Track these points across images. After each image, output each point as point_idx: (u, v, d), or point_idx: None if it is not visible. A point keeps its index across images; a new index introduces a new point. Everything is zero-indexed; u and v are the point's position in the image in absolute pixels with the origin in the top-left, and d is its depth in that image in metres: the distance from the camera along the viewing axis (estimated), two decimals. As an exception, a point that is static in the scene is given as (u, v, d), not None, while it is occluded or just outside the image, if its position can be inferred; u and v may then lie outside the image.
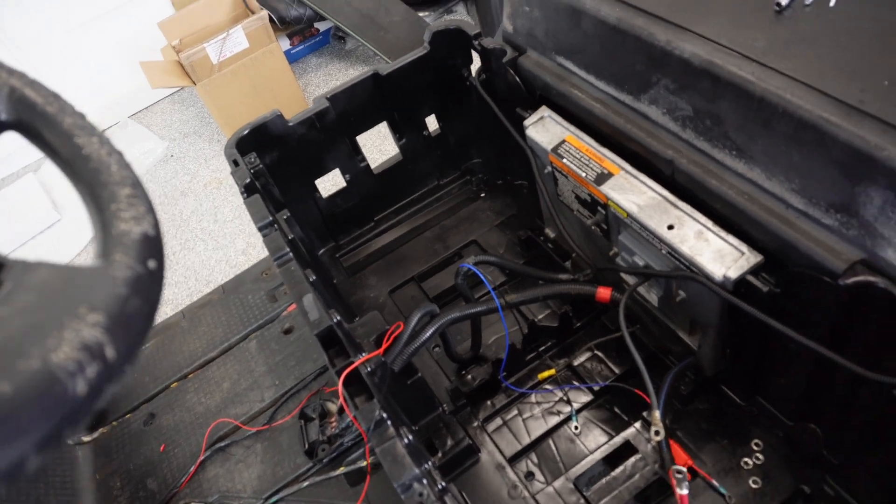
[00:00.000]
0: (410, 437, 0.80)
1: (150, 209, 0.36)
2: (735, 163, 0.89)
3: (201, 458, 1.27)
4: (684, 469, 0.87)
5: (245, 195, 1.19)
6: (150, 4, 3.16)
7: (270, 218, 1.10)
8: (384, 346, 1.02)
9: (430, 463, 0.91)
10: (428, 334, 1.08)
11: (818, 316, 0.84)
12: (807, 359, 0.93)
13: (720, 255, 0.90)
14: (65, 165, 0.38)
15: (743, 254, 0.89)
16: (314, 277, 1.02)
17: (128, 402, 1.47)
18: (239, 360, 1.45)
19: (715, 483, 1.01)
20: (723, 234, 0.92)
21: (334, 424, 1.18)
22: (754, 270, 0.88)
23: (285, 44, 3.23)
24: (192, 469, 1.27)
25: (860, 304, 0.77)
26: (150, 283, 0.33)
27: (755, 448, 1.04)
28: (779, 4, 0.88)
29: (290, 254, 1.04)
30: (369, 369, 0.98)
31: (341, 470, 1.14)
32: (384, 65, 1.45)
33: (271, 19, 2.98)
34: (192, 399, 1.41)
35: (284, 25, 3.21)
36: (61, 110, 0.38)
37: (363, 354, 0.99)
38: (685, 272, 0.94)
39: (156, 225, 0.35)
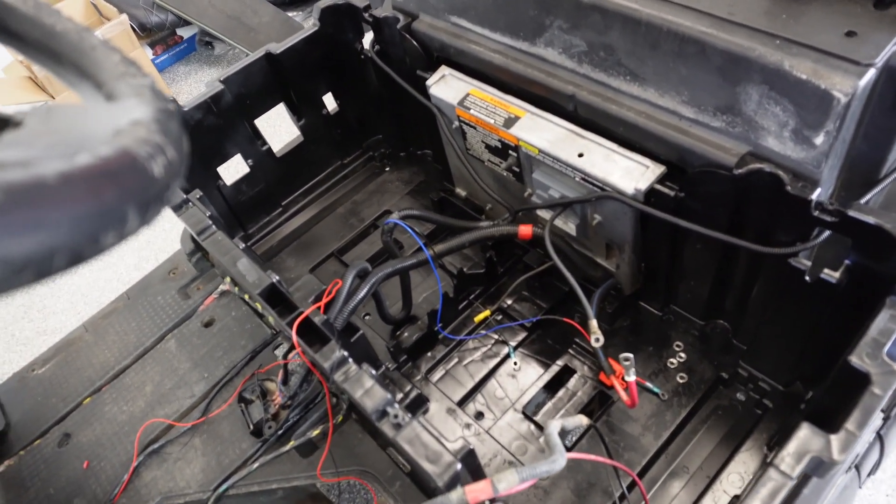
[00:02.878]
0: (374, 371, 0.81)
1: (143, 69, 0.37)
2: (630, 87, 0.99)
3: (134, 464, 1.19)
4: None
5: (151, 178, 1.13)
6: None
7: (184, 196, 1.07)
8: (325, 300, 1.02)
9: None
10: (365, 290, 1.09)
11: (718, 209, 0.94)
12: (711, 257, 1.04)
13: (628, 172, 0.99)
14: (44, 48, 0.37)
15: (648, 167, 0.99)
16: (243, 245, 0.99)
17: (35, 427, 1.34)
18: (159, 362, 1.37)
19: (648, 384, 1.10)
20: (628, 153, 1.01)
21: (277, 400, 1.16)
22: (660, 180, 0.98)
23: (148, 53, 3.06)
24: (126, 477, 1.19)
25: (751, 190, 0.88)
26: (176, 115, 0.34)
27: (677, 349, 1.15)
28: (648, -57, 0.99)
29: (213, 225, 1.01)
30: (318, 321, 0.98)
31: (292, 444, 1.12)
32: (275, 44, 1.43)
33: (132, 27, 2.81)
34: (112, 410, 1.32)
35: (145, 33, 3.04)
36: None
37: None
38: (600, 192, 1.03)
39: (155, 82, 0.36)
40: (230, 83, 1.37)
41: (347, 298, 1.07)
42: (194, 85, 3.02)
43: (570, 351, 1.21)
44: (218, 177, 1.46)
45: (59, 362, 1.44)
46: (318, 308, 0.90)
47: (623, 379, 0.95)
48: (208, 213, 1.11)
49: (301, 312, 0.85)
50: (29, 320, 2.18)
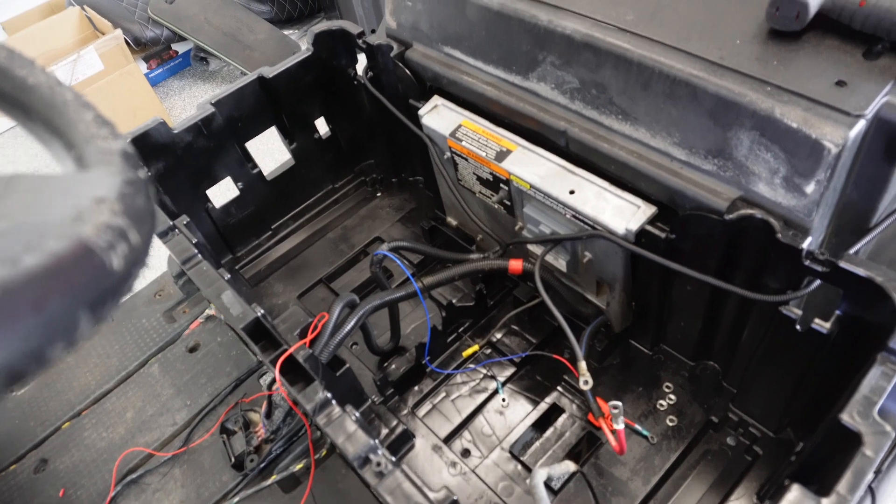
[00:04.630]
0: (357, 413, 0.79)
1: (117, 130, 0.35)
2: (622, 125, 0.98)
3: (111, 493, 1.17)
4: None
5: (137, 204, 1.12)
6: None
7: (170, 223, 1.05)
8: (310, 336, 1.00)
9: (377, 441, 0.90)
10: (352, 323, 1.08)
11: (708, 253, 0.94)
12: (701, 299, 1.04)
13: (619, 211, 0.99)
14: (13, 101, 0.35)
15: (639, 207, 0.98)
16: (228, 276, 0.98)
17: (10, 451, 1.31)
18: (141, 387, 1.34)
19: (637, 427, 1.09)
20: (619, 192, 1.01)
21: (261, 433, 1.13)
22: (651, 221, 0.97)
23: (142, 67, 3.05)
24: (102, 509, 1.16)
25: (742, 235, 0.88)
26: (145, 187, 0.32)
27: (666, 390, 1.14)
28: (642, -17, 0.99)
29: (199, 254, 0.99)
30: (302, 359, 0.96)
31: (273, 478, 1.10)
32: (268, 67, 1.43)
33: (126, 42, 2.80)
34: (91, 436, 1.29)
35: (140, 47, 3.04)
36: None
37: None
38: (591, 231, 1.02)
39: (128, 144, 0.35)
40: (221, 106, 1.36)
41: (334, 332, 1.05)
42: (188, 100, 3.02)
43: (559, 388, 1.19)
44: (207, 199, 1.45)
45: (39, 384, 1.41)
46: (305, 344, 0.88)
47: (612, 425, 0.94)
48: (194, 241, 1.10)
49: (285, 350, 0.83)
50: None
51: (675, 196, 0.94)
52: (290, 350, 0.83)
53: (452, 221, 1.47)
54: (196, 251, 0.99)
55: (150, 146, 1.28)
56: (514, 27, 1.07)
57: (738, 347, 1.06)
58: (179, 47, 3.23)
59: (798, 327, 0.86)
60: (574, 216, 1.04)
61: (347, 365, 1.08)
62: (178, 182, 1.35)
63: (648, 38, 0.92)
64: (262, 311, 0.92)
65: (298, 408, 0.85)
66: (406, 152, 1.56)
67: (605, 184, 1.03)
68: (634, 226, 0.96)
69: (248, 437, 1.15)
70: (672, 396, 1.13)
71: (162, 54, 3.13)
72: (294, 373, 0.84)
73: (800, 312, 0.86)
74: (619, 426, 0.93)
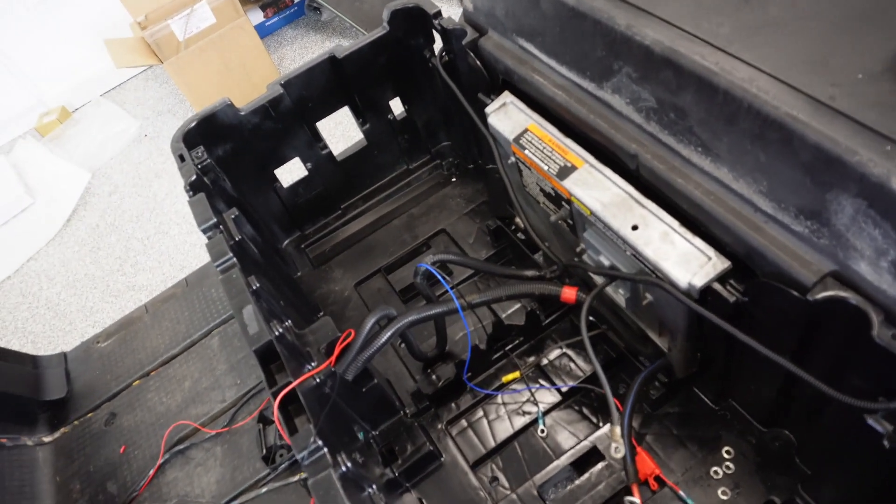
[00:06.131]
0: (349, 464, 0.75)
1: None
2: (701, 160, 0.82)
3: (160, 461, 1.24)
4: (637, 501, 0.83)
5: (190, 193, 1.12)
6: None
7: (214, 220, 1.04)
8: (335, 355, 0.97)
9: (373, 487, 0.87)
10: (383, 340, 1.03)
11: (786, 326, 0.78)
12: (775, 369, 0.87)
13: (686, 260, 0.84)
14: None
15: (709, 259, 0.83)
16: (258, 285, 0.96)
17: (90, 400, 1.43)
18: (201, 358, 1.40)
19: (682, 494, 0.97)
20: (689, 236, 0.86)
21: (292, 430, 1.14)
22: (721, 277, 0.82)
23: (258, 16, 3.10)
24: (151, 473, 1.24)
25: (829, 318, 0.71)
26: None
27: (726, 456, 1.00)
28: (749, -15, 0.80)
29: (234, 259, 0.98)
30: (318, 381, 0.93)
31: (299, 476, 1.10)
32: (340, 46, 1.36)
33: (242, -10, 2.84)
34: (154, 398, 1.37)
35: (257, -4, 3.08)
36: None
37: (310, 367, 0.94)
38: (650, 277, 0.88)
39: None
40: (290, 87, 1.32)
41: (363, 347, 1.01)
42: (299, 51, 3.04)
43: (605, 430, 1.09)
44: (275, 178, 1.44)
45: (119, 339, 1.52)
46: (330, 364, 0.85)
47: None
48: (238, 238, 1.09)
49: (288, 384, 0.80)
50: (122, 273, 2.34)
51: (754, 254, 0.78)
52: (293, 385, 0.79)
53: (521, 223, 1.36)
54: (230, 255, 0.97)
55: (216, 128, 1.27)
56: (589, 28, 0.92)
57: (822, 424, 0.89)
58: (296, -5, 3.24)
59: (885, 443, 0.70)
60: (635, 255, 0.90)
61: (375, 381, 1.04)
62: (245, 163, 1.35)
63: (742, 59, 0.75)
64: (280, 332, 0.89)
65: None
66: (482, 139, 1.45)
67: (674, 223, 0.88)
68: (700, 281, 0.82)
69: (282, 432, 1.16)
70: (731, 465, 0.99)
71: (278, 3, 3.16)
72: (297, 404, 0.81)
73: (890, 428, 0.69)
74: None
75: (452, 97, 1.33)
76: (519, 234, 1.35)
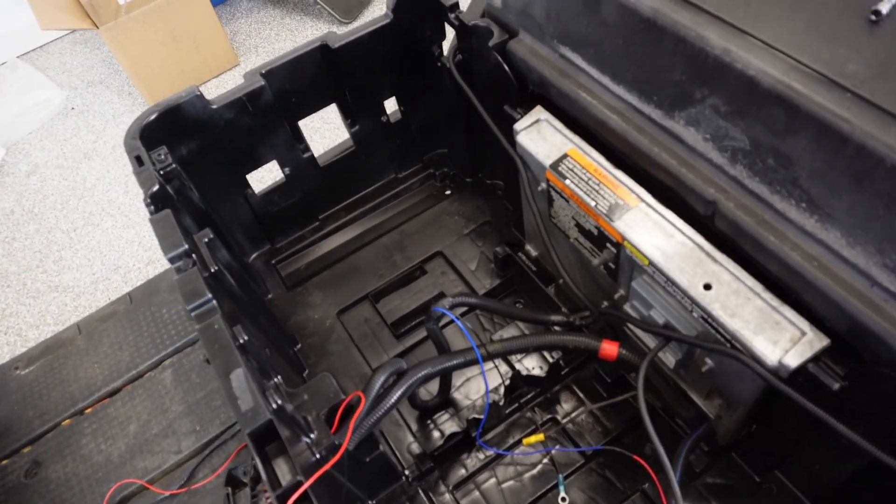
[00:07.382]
0: None
1: None
2: (804, 218, 0.69)
3: (99, 530, 1.02)
4: None
5: (151, 209, 0.90)
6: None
7: (185, 247, 0.83)
8: (335, 425, 0.79)
9: None
10: (393, 400, 0.86)
11: (891, 414, 0.67)
12: (858, 458, 0.77)
13: (774, 333, 0.71)
14: None
15: (805, 335, 0.70)
16: (245, 338, 0.76)
17: (5, 443, 1.18)
18: (150, 395, 1.18)
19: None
20: (776, 303, 0.73)
21: (271, 499, 0.95)
22: (817, 357, 0.70)
23: (211, -19, 2.78)
24: (87, 543, 1.02)
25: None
26: None
27: (775, 537, 0.89)
28: (877, 13, 0.67)
29: (213, 302, 0.78)
30: (318, 456, 0.76)
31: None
32: (334, 33, 1.16)
33: (194, -49, 2.53)
34: (89, 444, 1.14)
35: (210, -41, 2.76)
36: None
37: (308, 440, 0.76)
38: (724, 347, 0.75)
39: None
40: (273, 77, 1.12)
41: (370, 409, 0.84)
42: (255, 25, 2.75)
43: (634, 498, 0.96)
44: (247, 184, 1.23)
45: (45, 366, 1.27)
46: (332, 463, 0.67)
47: None
48: (213, 269, 0.88)
49: (298, 484, 0.62)
50: (43, 271, 2.03)
51: (866, 335, 0.66)
52: (305, 486, 0.61)
53: (532, 251, 1.21)
54: (210, 297, 0.77)
55: (181, 122, 1.05)
56: (667, 45, 0.77)
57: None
58: (252, -39, 2.94)
59: None
60: (704, 318, 0.77)
61: (381, 450, 0.87)
62: (213, 164, 1.13)
63: (881, 107, 0.62)
64: (279, 402, 0.70)
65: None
66: (487, 150, 1.29)
67: (758, 286, 0.75)
68: (795, 361, 0.69)
69: (256, 498, 0.97)
70: (781, 549, 0.88)
71: (232, -31, 2.85)
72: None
73: None
74: None
75: (459, 102, 1.17)
76: (530, 265, 1.20)
